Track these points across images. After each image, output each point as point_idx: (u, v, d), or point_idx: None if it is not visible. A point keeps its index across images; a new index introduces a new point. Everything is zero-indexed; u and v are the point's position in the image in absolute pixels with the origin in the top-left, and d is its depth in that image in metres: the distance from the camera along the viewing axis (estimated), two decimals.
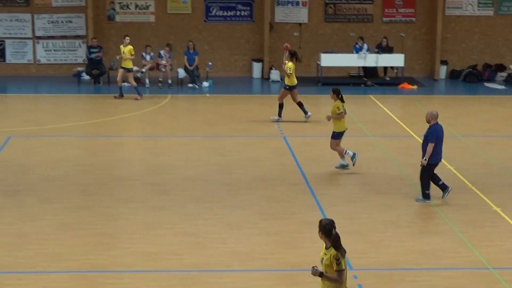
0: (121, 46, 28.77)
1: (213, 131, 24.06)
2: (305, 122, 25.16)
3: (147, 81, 30.90)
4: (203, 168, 20.41)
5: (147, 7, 32.98)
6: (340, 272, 10.32)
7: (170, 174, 19.82)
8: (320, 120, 23.85)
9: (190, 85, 30.98)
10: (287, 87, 25.09)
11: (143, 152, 21.72)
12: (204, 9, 33.21)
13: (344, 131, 20.04)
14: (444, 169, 19.87)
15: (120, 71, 28.50)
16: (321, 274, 10.32)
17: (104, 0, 32.78)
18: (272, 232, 16.10)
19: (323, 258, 10.50)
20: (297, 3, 33.41)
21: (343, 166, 20.09)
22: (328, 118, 20.10)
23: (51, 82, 31.38)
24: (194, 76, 31.10)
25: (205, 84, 31.18)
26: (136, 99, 28.00)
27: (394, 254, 14.98)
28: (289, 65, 24.87)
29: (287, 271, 14.27)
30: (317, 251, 15.02)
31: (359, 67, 33.00)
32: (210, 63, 32.14)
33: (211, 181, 19.35)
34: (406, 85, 31.65)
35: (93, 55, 31.39)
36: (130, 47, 28.43)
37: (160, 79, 30.98)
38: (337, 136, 19.98)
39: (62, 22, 32.84)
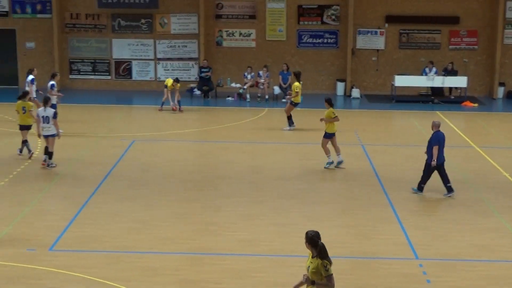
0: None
1: (302, 139, 24.02)
2: (288, 130, 25.31)
3: (248, 96, 31.06)
4: (292, 169, 20.40)
5: (249, 35, 33.16)
6: (330, 277, 9.86)
7: (265, 174, 19.87)
8: (394, 131, 23.62)
9: (284, 100, 31.00)
10: (292, 103, 25.29)
11: (243, 155, 21.83)
12: (296, 37, 33.22)
13: (334, 133, 20.39)
14: (499, 176, 19.45)
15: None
16: (313, 282, 9.86)
17: (214, 29, 33.08)
18: (348, 225, 16.01)
19: (309, 266, 10.01)
20: (376, 32, 33.13)
21: (339, 163, 20.49)
22: (321, 120, 20.59)
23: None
24: (286, 93, 31.11)
25: None
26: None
27: (455, 247, 14.73)
28: (296, 84, 25.17)
29: (362, 259, 14.16)
30: (387, 242, 14.93)
31: (427, 87, 32.54)
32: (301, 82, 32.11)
33: (297, 181, 19.32)
34: (468, 103, 31.07)
35: (203, 74, 31.72)
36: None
37: (259, 95, 31.14)
38: (328, 136, 20.34)
39: (179, 46, 33.26)
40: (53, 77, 24.61)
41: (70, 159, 20.91)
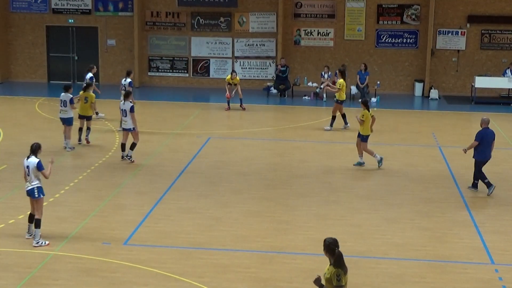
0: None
1: (378, 140, 23.77)
2: (343, 129, 25.30)
3: (324, 95, 30.91)
4: (367, 170, 20.22)
5: (327, 34, 33.00)
6: (340, 287, 9.55)
7: (340, 174, 19.75)
8: (472, 133, 23.13)
9: (360, 100, 30.74)
10: (338, 101, 25.14)
11: (318, 155, 21.73)
12: (375, 37, 32.90)
13: (368, 135, 20.37)
14: None
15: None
16: (321, 286, 9.64)
17: (292, 28, 33.06)
18: (424, 227, 15.75)
19: (325, 272, 9.77)
20: (457, 33, 32.54)
21: (359, 164, 20.54)
22: (356, 117, 20.82)
23: (245, 94, 31.88)
24: (364, 93, 30.85)
25: (373, 99, 30.86)
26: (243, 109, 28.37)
27: None
28: (340, 81, 25.09)
29: (437, 262, 13.92)
30: (463, 246, 14.63)
31: (509, 89, 31.80)
32: (378, 82, 31.87)
33: (373, 182, 19.15)
34: None
35: (280, 73, 31.71)
36: (340, 81, 26.91)
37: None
38: (364, 139, 20.30)
39: (257, 45, 33.35)
40: (128, 74, 24.96)
41: (147, 155, 21.19)
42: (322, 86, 31.10)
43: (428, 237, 15.15)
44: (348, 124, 25.38)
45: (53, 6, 33.74)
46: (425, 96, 32.44)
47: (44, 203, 16.55)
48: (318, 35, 33.09)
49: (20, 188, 17.88)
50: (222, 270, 13.30)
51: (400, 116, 28.11)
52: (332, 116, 25.27)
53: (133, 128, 20.22)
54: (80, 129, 22.31)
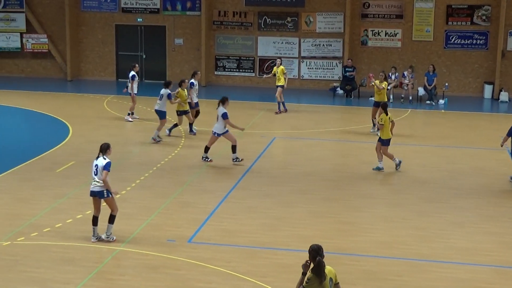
0: (274, 68, 28.51)
1: (445, 142, 23.48)
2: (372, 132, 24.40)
3: (391, 97, 30.65)
4: (433, 173, 19.98)
5: (395, 35, 32.71)
6: None
7: (404, 176, 19.56)
8: None
9: (428, 102, 30.44)
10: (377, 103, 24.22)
11: (384, 156, 21.56)
12: (444, 38, 32.47)
13: (389, 139, 19.87)
14: None
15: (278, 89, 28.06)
16: (303, 273, 9.44)
17: (359, 28, 32.86)
18: (492, 232, 15.48)
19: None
20: None
21: (378, 169, 19.98)
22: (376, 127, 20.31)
23: (311, 95, 31.91)
24: (432, 94, 30.50)
25: (441, 101, 30.49)
26: (276, 113, 27.85)
27: None
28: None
29: (505, 268, 13.67)
30: None
31: None
32: (446, 84, 31.45)
33: (439, 185, 18.90)
34: None
35: (347, 74, 31.57)
36: (281, 67, 28.14)
37: (403, 96, 30.68)
38: (385, 143, 19.76)
39: (323, 45, 33.26)
40: (193, 76, 25.07)
41: (212, 154, 21.32)
42: (389, 87, 30.85)
43: (495, 242, 14.89)
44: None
45: (122, 5, 34.26)
46: (495, 98, 31.88)
47: None
48: (385, 35, 32.82)
49: (88, 184, 18.20)
50: (285, 270, 13.31)
51: (469, 119, 27.68)
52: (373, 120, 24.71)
53: (219, 133, 20.08)
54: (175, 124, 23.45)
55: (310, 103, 29.86)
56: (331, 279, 9.50)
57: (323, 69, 33.35)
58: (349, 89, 31.48)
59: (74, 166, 19.89)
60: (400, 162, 20.03)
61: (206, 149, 20.43)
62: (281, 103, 27.90)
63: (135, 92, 25.52)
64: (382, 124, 19.73)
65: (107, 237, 14.35)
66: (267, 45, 33.60)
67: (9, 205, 16.61)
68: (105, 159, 14.15)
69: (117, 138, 22.83)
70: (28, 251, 13.90)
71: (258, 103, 30.05)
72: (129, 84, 25.57)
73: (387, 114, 19.79)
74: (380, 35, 32.86)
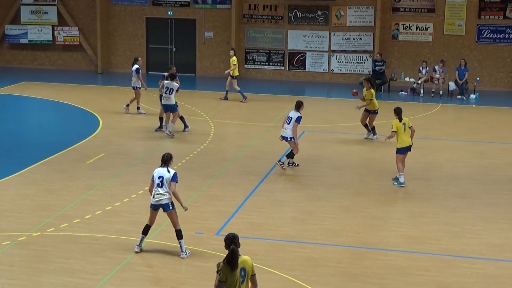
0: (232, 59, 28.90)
1: (477, 137, 23.28)
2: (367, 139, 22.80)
3: (421, 91, 30.45)
4: (465, 168, 19.82)
5: (426, 29, 32.47)
6: (218, 282, 9.15)
7: (436, 172, 19.43)
8: None
9: (459, 96, 30.18)
10: (368, 110, 22.58)
11: (414, 151, 21.37)
12: (476, 32, 32.16)
13: (406, 147, 18.08)
14: None
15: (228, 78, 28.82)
16: (217, 272, 9.27)
17: (390, 22, 32.66)
18: None
19: None
20: None
21: (397, 180, 18.13)
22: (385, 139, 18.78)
23: (341, 88, 31.78)
24: (463, 89, 30.24)
25: (472, 96, 30.23)
26: (241, 101, 28.25)
27: None
28: (372, 92, 22.47)
29: None
30: None
31: None
32: (478, 78, 31.15)
33: (471, 180, 18.74)
34: None
35: (377, 68, 31.40)
36: (233, 58, 28.62)
37: (433, 90, 30.44)
38: (398, 151, 18.08)
39: (354, 39, 33.11)
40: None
41: (241, 147, 21.36)
42: (419, 82, 30.66)
43: None
44: (376, 136, 22.93)
45: None
46: None
47: (140, 192, 16.98)
48: (416, 29, 32.59)
49: (117, 176, 18.34)
50: (313, 264, 13.29)
51: (501, 114, 27.41)
52: (368, 127, 22.95)
53: (291, 138, 19.30)
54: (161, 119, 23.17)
55: (340, 97, 29.74)
56: (243, 269, 9.29)
57: (353, 63, 33.20)
58: (379, 83, 31.31)
59: (104, 158, 20.02)
60: (402, 183, 18.00)
61: (291, 155, 19.38)
62: (240, 92, 28.48)
63: (138, 85, 25.37)
64: (395, 131, 18.17)
65: (185, 254, 13.50)
66: (297, 39, 33.52)
67: (40, 196, 16.77)
68: (169, 171, 13.47)
69: (147, 130, 22.92)
70: (57, 242, 14.02)
71: (288, 96, 29.98)
72: (134, 78, 25.43)
73: (400, 120, 18.24)
74: (411, 29, 32.63)
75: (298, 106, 19.44)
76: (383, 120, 25.27)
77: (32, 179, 18.05)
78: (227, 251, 9.25)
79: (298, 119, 19.15)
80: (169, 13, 34.30)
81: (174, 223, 13.54)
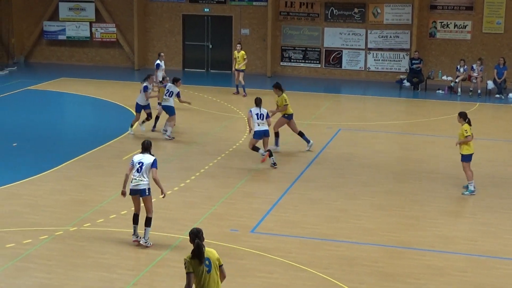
0: (235, 52, 29.60)
1: None
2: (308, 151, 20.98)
3: (459, 90, 30.20)
4: (502, 168, 19.63)
5: (465, 27, 32.17)
6: (187, 274, 9.52)
7: (472, 171, 19.24)
8: None
9: (497, 95, 29.87)
10: (285, 115, 20.97)
11: (448, 150, 21.23)
12: None
13: (472, 154, 17.39)
14: None
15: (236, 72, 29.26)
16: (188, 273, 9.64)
17: (428, 20, 32.42)
18: None
19: None
20: None
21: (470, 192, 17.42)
22: (456, 144, 17.62)
23: (377, 87, 31.64)
24: (501, 88, 29.92)
25: (511, 95, 29.89)
26: (244, 96, 28.51)
27: None
28: (284, 97, 20.89)
29: None
30: None
31: None
32: None
33: (508, 180, 18.55)
34: None
35: (414, 66, 31.20)
36: (242, 52, 29.30)
37: (471, 89, 30.15)
38: (465, 158, 17.37)
39: (391, 37, 32.92)
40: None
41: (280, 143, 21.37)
42: (457, 80, 30.41)
43: None
44: (311, 142, 21.19)
45: None
46: None
47: (175, 188, 17.09)
48: (454, 27, 32.31)
49: None
50: (348, 262, 13.28)
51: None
52: (275, 133, 20.95)
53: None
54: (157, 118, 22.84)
55: (376, 95, 29.60)
56: (207, 259, 9.63)
57: (390, 61, 33.01)
58: (416, 81, 31.11)
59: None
60: (473, 191, 17.34)
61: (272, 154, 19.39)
62: (243, 87, 28.80)
63: (160, 80, 25.54)
64: (469, 135, 17.23)
65: (145, 242, 13.79)
66: (333, 36, 33.41)
67: (76, 192, 16.95)
68: (149, 158, 13.67)
69: (182, 127, 23.04)
70: (94, 237, 14.17)
71: (324, 94, 29.93)
72: (159, 73, 25.68)
73: (470, 124, 17.44)
74: (449, 27, 32.36)
75: (259, 102, 19.62)
76: (422, 119, 25.19)
77: (69, 174, 18.26)
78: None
79: (268, 115, 19.48)
80: (205, 10, 34.40)
81: (148, 209, 13.76)
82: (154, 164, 13.64)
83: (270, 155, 19.21)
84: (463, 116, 17.55)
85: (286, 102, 20.57)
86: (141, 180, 13.62)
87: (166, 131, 22.04)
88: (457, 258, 13.63)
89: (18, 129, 22.72)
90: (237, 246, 13.89)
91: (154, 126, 22.63)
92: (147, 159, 13.69)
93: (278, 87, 20.79)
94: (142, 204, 13.86)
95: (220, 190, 17.25)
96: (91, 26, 35.17)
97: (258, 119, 19.27)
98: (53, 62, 35.84)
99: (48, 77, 31.89)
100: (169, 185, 17.37)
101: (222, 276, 9.83)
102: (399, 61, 32.86)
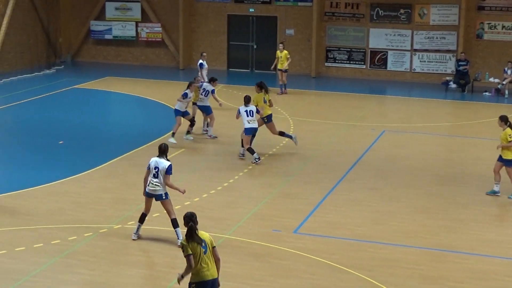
0: (278, 52, 29.68)
1: None
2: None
3: (506, 92, 29.83)
4: None
5: None
6: (187, 257, 10.15)
7: None
8: None
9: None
10: (264, 119, 20.58)
11: (494, 153, 20.94)
12: None
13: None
14: None
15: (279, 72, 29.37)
16: (178, 280, 10.40)
17: (475, 21, 32.10)
18: None
19: None
20: None
21: (494, 192, 17.15)
22: (498, 147, 17.30)
23: (422, 88, 31.40)
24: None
25: None
26: (278, 94, 28.66)
27: None
28: (266, 96, 20.67)
29: None
30: None
31: None
32: None
33: None
34: None
35: (461, 67, 30.91)
36: (285, 52, 29.41)
37: None
38: (509, 163, 17.03)
39: (437, 38, 32.66)
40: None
41: (319, 145, 21.36)
42: (504, 82, 30.05)
43: None
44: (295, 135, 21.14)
45: None
46: None
47: (218, 188, 17.20)
48: (502, 28, 31.94)
49: (196, 171, 18.61)
50: (390, 264, 13.24)
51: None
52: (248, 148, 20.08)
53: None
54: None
55: (422, 97, 29.40)
56: (203, 241, 10.28)
57: (436, 62, 32.75)
58: (463, 83, 30.81)
59: (183, 154, 20.33)
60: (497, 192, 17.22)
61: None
62: (285, 85, 29.09)
63: (202, 80, 25.53)
64: (511, 141, 16.95)
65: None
66: (378, 37, 33.27)
67: (120, 190, 17.16)
68: (165, 163, 13.77)
69: (227, 126, 23.14)
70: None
71: (368, 95, 29.81)
72: (200, 73, 25.93)
73: None
74: (497, 28, 32.00)
75: (248, 100, 19.82)
76: (468, 121, 24.96)
77: (113, 172, 18.49)
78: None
79: (258, 111, 19.86)
80: (250, 10, 34.51)
81: (169, 211, 13.94)
82: (168, 171, 13.77)
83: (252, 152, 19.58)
84: (504, 120, 17.26)
85: (263, 101, 20.47)
86: (157, 185, 13.81)
87: (206, 131, 22.18)
88: (500, 262, 13.50)
89: (64, 127, 23.06)
90: (279, 246, 13.93)
91: (191, 127, 22.01)
92: (163, 164, 13.79)
93: (259, 86, 20.69)
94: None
95: (263, 190, 17.31)
96: (137, 26, 35.53)
97: (248, 116, 19.63)
98: (99, 61, 36.28)
99: (94, 76, 32.30)
100: (212, 185, 17.50)
101: (216, 258, 10.41)
102: (445, 62, 32.59)
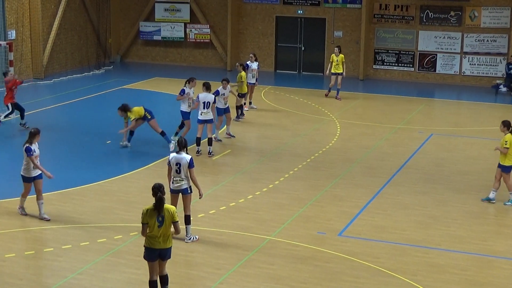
0: (333, 55, 28.87)
1: None
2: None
3: None
4: None
5: None
6: (142, 225, 11.28)
7: None
8: None
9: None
10: (240, 94, 24.49)
11: None
12: None
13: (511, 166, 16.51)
14: None
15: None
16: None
17: None
18: None
19: None
20: None
21: (488, 200, 16.76)
22: (495, 149, 17.02)
23: (472, 91, 31.01)
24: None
25: None
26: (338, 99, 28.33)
27: None
28: (242, 74, 24.62)
29: None
30: None
31: None
32: None
33: None
34: None
35: (511, 71, 30.46)
36: (341, 55, 28.67)
37: None
38: (506, 169, 16.54)
39: (488, 40, 32.21)
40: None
41: (366, 148, 21.22)
42: None
43: None
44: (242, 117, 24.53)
45: None
46: None
47: (264, 189, 17.19)
48: None
49: (242, 172, 18.62)
50: (436, 270, 13.07)
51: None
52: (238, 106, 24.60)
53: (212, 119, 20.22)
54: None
55: (471, 100, 29.02)
56: (161, 215, 11.26)
57: (486, 65, 32.31)
58: None
59: (229, 155, 20.36)
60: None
61: (210, 142, 20.21)
62: (338, 90, 28.55)
63: (252, 81, 25.78)
64: (507, 148, 16.44)
65: (189, 239, 14.09)
66: (428, 40, 32.94)
67: (166, 189, 17.16)
68: (185, 157, 13.79)
69: (273, 128, 23.12)
70: (182, 235, 14.33)
71: (416, 98, 29.51)
72: (249, 74, 25.88)
73: None
74: None
75: (209, 87, 20.23)
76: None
77: (160, 172, 18.56)
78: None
79: (215, 100, 20.26)
80: (299, 12, 34.45)
81: (186, 207, 14.09)
82: (191, 164, 13.81)
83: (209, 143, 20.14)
84: (506, 125, 16.80)
85: (242, 79, 23.70)
86: (182, 180, 13.92)
87: (230, 133, 22.15)
88: None
89: (113, 127, 23.23)
90: (324, 249, 13.86)
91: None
92: (184, 159, 13.81)
93: (241, 65, 24.49)
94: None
95: (309, 192, 17.24)
96: (185, 27, 35.72)
97: (204, 108, 19.90)
98: (147, 62, 36.56)
99: (142, 76, 32.56)
100: (258, 186, 17.49)
101: (176, 231, 11.41)
102: (495, 65, 32.13)
